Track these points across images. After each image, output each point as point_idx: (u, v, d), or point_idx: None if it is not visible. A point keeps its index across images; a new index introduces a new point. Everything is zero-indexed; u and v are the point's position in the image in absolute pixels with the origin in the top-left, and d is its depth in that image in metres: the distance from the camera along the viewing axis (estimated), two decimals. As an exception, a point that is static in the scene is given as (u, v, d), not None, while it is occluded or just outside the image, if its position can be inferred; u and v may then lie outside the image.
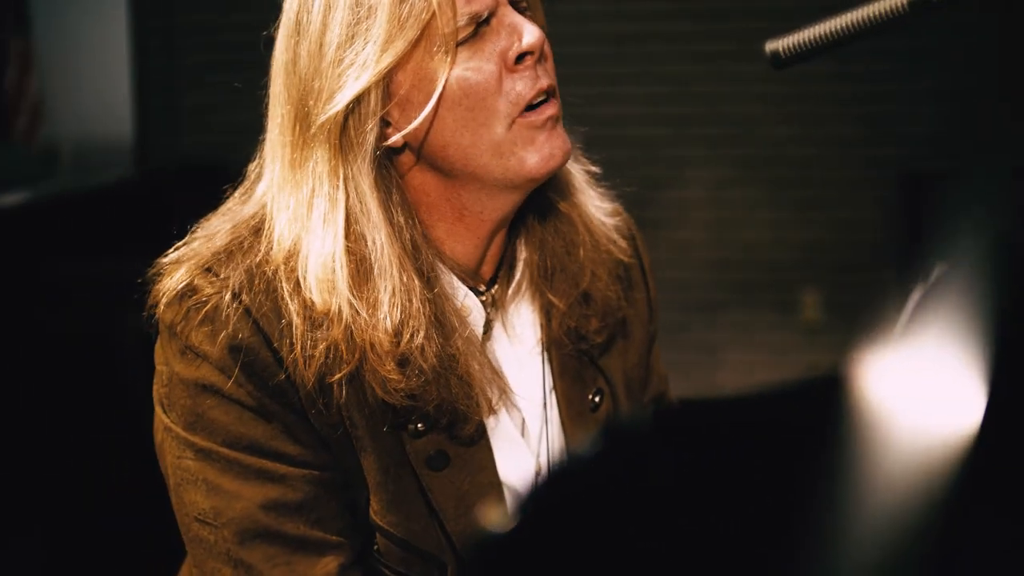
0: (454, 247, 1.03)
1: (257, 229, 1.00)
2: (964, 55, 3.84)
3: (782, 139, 4.08)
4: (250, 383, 0.95)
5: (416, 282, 0.96)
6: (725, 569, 0.48)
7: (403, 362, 0.95)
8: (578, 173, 1.13)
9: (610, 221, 1.15)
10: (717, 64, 4.05)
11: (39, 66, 4.07)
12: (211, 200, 1.07)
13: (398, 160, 1.00)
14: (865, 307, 3.91)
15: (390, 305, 0.95)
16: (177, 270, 0.98)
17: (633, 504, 0.49)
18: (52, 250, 3.27)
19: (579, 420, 1.10)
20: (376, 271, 0.95)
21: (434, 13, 0.92)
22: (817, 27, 0.69)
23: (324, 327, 0.94)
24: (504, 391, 1.03)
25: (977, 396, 0.42)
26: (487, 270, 1.07)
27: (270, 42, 1.00)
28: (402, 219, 0.98)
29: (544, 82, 0.97)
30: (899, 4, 0.66)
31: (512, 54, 0.95)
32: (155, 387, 1.01)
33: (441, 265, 1.02)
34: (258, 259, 0.97)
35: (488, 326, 1.06)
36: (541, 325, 1.09)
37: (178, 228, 1.04)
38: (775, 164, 4.10)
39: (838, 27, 0.68)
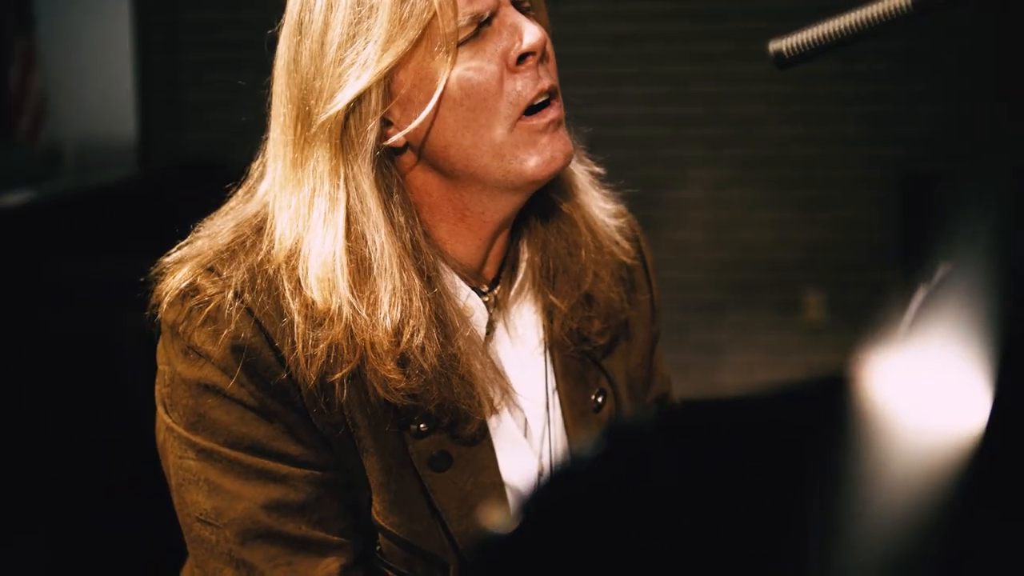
0: (456, 247, 1.03)
1: (259, 228, 1.00)
2: (966, 55, 3.84)
3: (785, 139, 4.08)
4: (252, 383, 0.95)
5: (416, 282, 0.96)
6: (728, 570, 0.48)
7: (403, 361, 0.95)
8: (581, 174, 1.12)
9: (613, 222, 1.15)
10: (716, 64, 4.05)
11: (42, 65, 4.07)
12: (214, 199, 1.07)
13: (400, 160, 1.00)
14: (868, 307, 3.91)
15: (390, 304, 0.94)
16: (180, 269, 0.98)
17: (636, 505, 0.48)
18: (55, 250, 3.27)
19: (582, 421, 1.10)
20: (376, 270, 0.95)
21: (435, 13, 0.92)
22: (820, 27, 0.69)
23: (325, 326, 0.94)
24: (506, 391, 1.03)
25: (982, 397, 0.42)
26: (489, 271, 1.07)
27: (274, 41, 1.01)
28: (403, 219, 0.98)
29: (545, 83, 0.97)
30: (903, 3, 0.66)
31: (513, 54, 0.95)
32: (157, 387, 1.01)
33: (443, 265, 1.02)
34: (260, 258, 0.97)
35: (491, 326, 1.06)
36: (543, 326, 1.09)
37: (181, 227, 1.04)
38: (778, 164, 4.10)
39: (842, 27, 0.68)
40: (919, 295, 0.48)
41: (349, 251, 0.95)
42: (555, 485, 0.53)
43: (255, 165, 1.05)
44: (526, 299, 1.09)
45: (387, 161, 0.98)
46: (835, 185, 4.09)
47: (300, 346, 0.94)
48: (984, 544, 0.43)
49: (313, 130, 0.95)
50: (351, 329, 0.94)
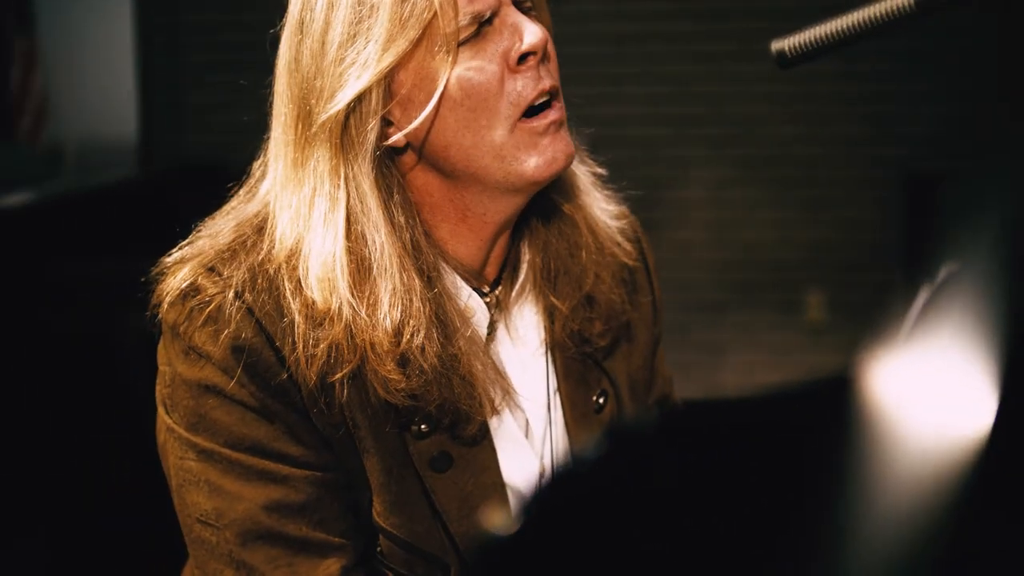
0: (457, 248, 1.03)
1: (260, 228, 1.00)
2: (969, 55, 3.83)
3: (787, 139, 4.08)
4: (253, 383, 0.95)
5: (417, 282, 0.96)
6: (730, 571, 0.47)
7: (404, 362, 0.95)
8: (583, 175, 1.12)
9: (615, 223, 1.14)
10: (718, 64, 4.05)
11: (43, 65, 4.07)
12: (215, 199, 1.07)
13: (400, 160, 0.99)
14: (870, 307, 3.91)
15: (390, 305, 0.94)
16: (180, 269, 0.98)
17: (638, 506, 0.48)
18: (56, 250, 3.27)
19: (583, 422, 1.10)
20: (376, 271, 0.95)
21: (436, 12, 0.92)
22: (823, 26, 0.69)
23: (325, 326, 0.94)
24: (507, 392, 1.03)
25: (988, 399, 0.42)
26: (491, 271, 1.07)
27: (276, 41, 1.00)
28: (403, 219, 0.97)
29: (546, 83, 0.96)
30: (906, 3, 0.65)
31: (514, 54, 0.95)
32: (158, 387, 1.01)
33: (444, 265, 1.02)
34: (261, 258, 0.97)
35: (492, 327, 1.05)
36: (544, 327, 1.09)
37: (182, 228, 1.04)
38: (780, 164, 4.09)
39: (844, 26, 0.68)
40: (922, 296, 0.48)
41: (349, 251, 0.95)
42: (556, 486, 0.53)
43: (256, 164, 1.05)
44: (527, 300, 1.08)
45: (387, 161, 0.98)
46: (837, 185, 4.08)
47: (300, 346, 0.94)
48: (989, 546, 0.43)
49: (314, 129, 0.95)
50: (351, 329, 0.94)
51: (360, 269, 0.95)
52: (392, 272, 0.95)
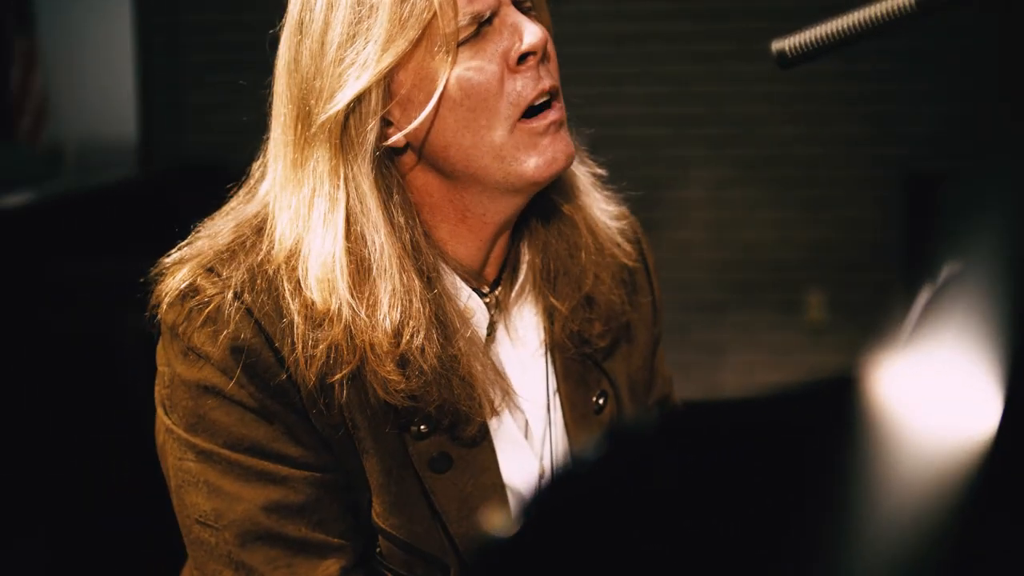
0: (457, 248, 1.02)
1: (260, 228, 0.99)
2: (969, 55, 3.83)
3: (788, 138, 4.08)
4: (252, 384, 0.94)
5: (416, 283, 0.96)
6: (730, 572, 0.47)
7: (403, 362, 0.95)
8: (583, 175, 1.12)
9: (615, 224, 1.14)
10: (718, 64, 4.05)
11: (43, 65, 4.07)
12: (215, 200, 1.07)
13: (400, 160, 0.99)
14: (870, 307, 3.91)
15: (389, 305, 0.94)
16: (180, 270, 0.98)
17: (638, 507, 0.48)
18: (56, 250, 3.27)
19: (583, 423, 1.09)
20: (376, 271, 0.95)
21: (436, 12, 0.92)
22: (823, 26, 0.69)
23: (325, 327, 0.94)
24: (507, 393, 1.03)
25: (991, 399, 0.42)
26: (491, 272, 1.06)
27: (275, 42, 1.00)
28: (403, 219, 0.97)
29: (546, 83, 0.96)
30: (906, 3, 0.65)
31: (514, 54, 0.95)
32: (157, 388, 1.00)
33: (444, 266, 1.01)
34: (260, 258, 0.97)
35: (491, 328, 1.05)
36: (544, 328, 1.09)
37: (181, 228, 1.04)
38: (780, 163, 4.09)
39: (844, 26, 0.68)
40: (923, 296, 0.48)
41: (349, 252, 0.95)
42: (556, 487, 0.53)
43: (256, 165, 1.05)
44: (527, 301, 1.08)
45: (387, 161, 0.98)
46: (838, 185, 4.08)
47: (300, 347, 0.94)
48: (994, 548, 0.43)
49: (313, 130, 0.95)
50: (351, 330, 0.94)
51: (360, 270, 0.95)
52: (392, 273, 0.95)
